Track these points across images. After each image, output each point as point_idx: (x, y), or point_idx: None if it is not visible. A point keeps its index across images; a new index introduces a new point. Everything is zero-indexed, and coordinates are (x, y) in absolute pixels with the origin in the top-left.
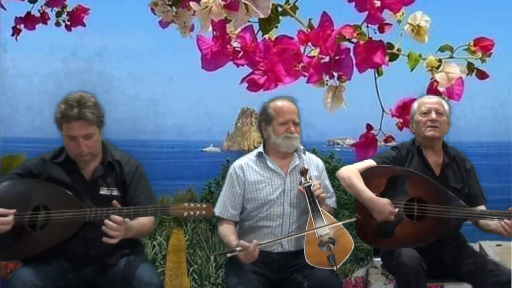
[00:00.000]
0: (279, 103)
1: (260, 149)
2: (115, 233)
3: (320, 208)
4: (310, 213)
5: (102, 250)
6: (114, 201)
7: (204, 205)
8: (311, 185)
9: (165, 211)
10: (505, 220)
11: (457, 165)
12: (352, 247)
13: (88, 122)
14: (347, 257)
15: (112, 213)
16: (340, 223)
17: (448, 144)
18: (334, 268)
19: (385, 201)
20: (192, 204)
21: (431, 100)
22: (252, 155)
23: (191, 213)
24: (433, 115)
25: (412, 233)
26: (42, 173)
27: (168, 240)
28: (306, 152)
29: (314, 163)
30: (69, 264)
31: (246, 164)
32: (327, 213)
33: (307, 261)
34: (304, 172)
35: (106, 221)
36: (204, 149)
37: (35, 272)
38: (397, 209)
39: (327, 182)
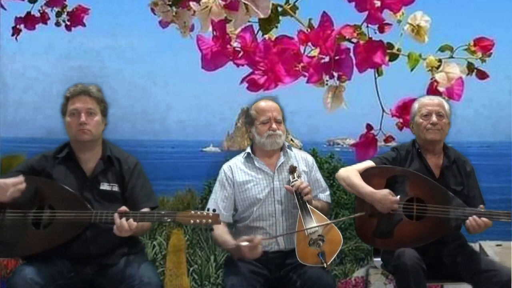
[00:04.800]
0: (260, 103)
1: (248, 150)
2: (125, 234)
3: (308, 206)
4: (299, 211)
5: (102, 249)
6: (124, 207)
7: (211, 214)
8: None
9: (172, 218)
10: (474, 217)
11: (457, 168)
12: (341, 241)
13: (93, 98)
14: (337, 252)
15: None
16: (343, 219)
17: (449, 145)
18: (325, 265)
19: (384, 191)
20: (199, 212)
21: (432, 102)
22: (240, 156)
23: (197, 221)
24: (434, 118)
25: (412, 233)
26: (44, 169)
27: (168, 240)
28: (293, 148)
29: (303, 159)
30: (70, 263)
31: (235, 165)
32: (317, 210)
33: (299, 261)
34: (292, 170)
35: (123, 222)
36: (204, 149)
37: (36, 270)
38: (398, 196)
39: (319, 176)
